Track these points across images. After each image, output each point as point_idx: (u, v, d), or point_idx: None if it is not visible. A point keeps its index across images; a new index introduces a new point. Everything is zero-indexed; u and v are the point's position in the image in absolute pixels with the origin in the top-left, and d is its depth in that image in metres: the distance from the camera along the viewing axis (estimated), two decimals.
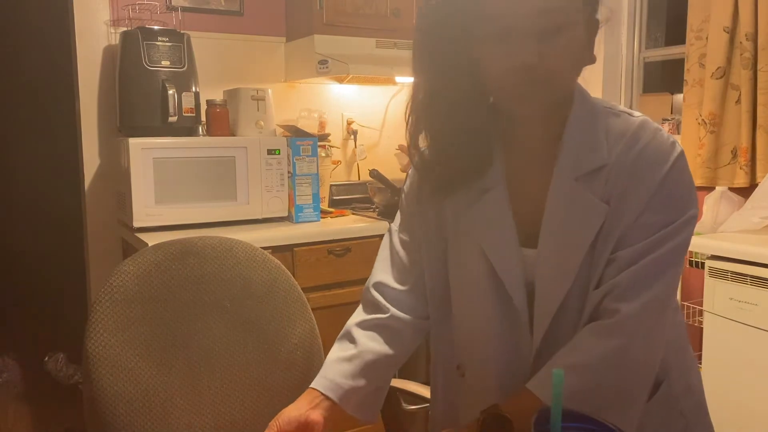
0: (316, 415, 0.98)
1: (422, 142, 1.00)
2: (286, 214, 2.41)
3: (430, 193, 1.03)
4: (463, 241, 1.00)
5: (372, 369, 1.04)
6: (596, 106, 0.96)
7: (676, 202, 0.91)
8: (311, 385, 1.02)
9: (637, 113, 0.96)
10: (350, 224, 2.42)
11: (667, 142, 0.92)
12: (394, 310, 1.07)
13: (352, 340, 1.06)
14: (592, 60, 0.92)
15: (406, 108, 0.99)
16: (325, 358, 1.08)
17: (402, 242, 1.10)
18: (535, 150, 0.97)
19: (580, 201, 0.91)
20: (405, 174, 2.43)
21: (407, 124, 0.99)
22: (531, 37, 0.85)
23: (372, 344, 1.05)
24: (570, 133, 0.93)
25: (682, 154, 0.92)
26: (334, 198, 2.85)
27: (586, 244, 0.91)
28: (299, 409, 0.99)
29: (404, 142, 2.60)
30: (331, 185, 2.86)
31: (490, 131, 0.98)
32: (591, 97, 0.97)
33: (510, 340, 0.97)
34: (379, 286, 1.09)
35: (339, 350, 1.06)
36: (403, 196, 1.12)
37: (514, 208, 0.97)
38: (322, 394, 1.00)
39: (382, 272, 1.10)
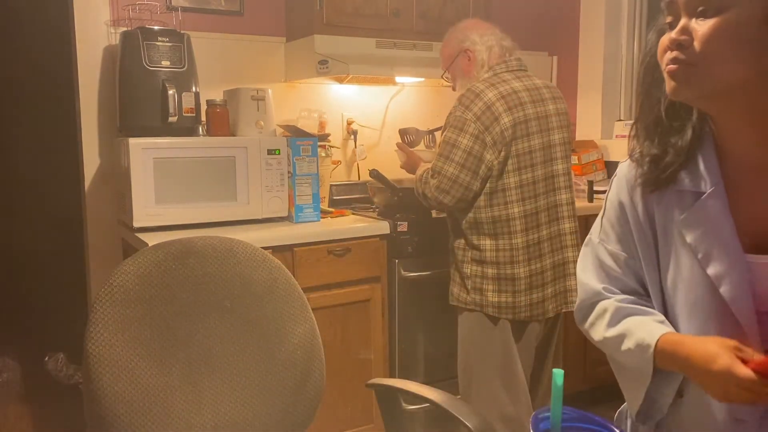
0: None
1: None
2: (286, 214, 2.41)
3: (639, 187, 0.99)
4: (677, 249, 0.95)
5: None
6: None
7: None
8: (662, 335, 0.94)
9: None
10: (350, 224, 2.42)
11: None
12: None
13: (641, 311, 1.01)
14: None
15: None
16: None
17: (609, 252, 1.05)
18: (750, 151, 0.90)
19: None
20: (404, 172, 2.45)
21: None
22: (686, 14, 0.84)
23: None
24: None
25: None
26: (334, 198, 2.85)
27: None
28: (716, 341, 0.88)
29: (399, 141, 2.56)
30: (331, 185, 2.86)
31: (693, 129, 0.94)
32: None
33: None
34: (605, 293, 1.05)
35: (646, 318, 1.00)
36: (607, 204, 1.07)
37: (739, 213, 0.90)
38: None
39: (599, 283, 1.06)
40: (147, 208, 2.17)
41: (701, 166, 0.92)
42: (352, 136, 2.97)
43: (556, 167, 2.09)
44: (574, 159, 3.08)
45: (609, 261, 1.05)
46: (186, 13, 2.59)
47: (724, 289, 0.89)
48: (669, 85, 0.88)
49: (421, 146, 2.77)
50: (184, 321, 1.22)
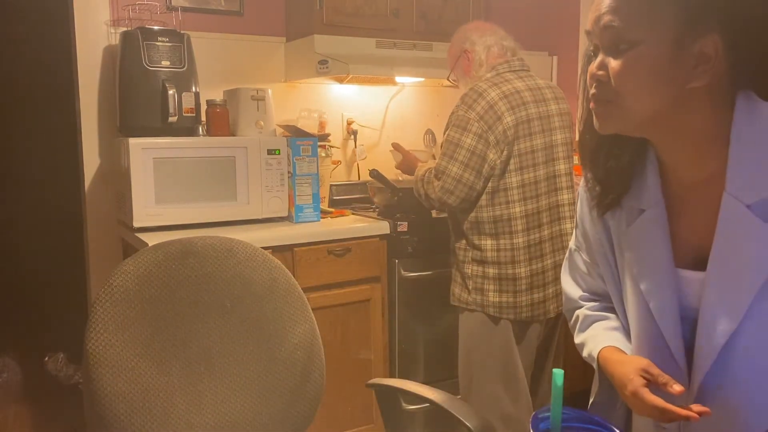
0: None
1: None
2: (286, 214, 2.41)
3: (593, 210, 1.03)
4: (623, 262, 0.99)
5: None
6: None
7: None
8: (606, 346, 1.01)
9: None
10: (350, 224, 2.42)
11: None
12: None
13: (602, 317, 1.08)
14: (691, 91, 0.84)
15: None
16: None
17: (583, 260, 1.12)
18: (686, 171, 0.92)
19: (754, 232, 0.83)
20: (400, 172, 2.44)
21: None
22: (602, 49, 0.86)
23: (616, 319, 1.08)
24: (737, 154, 0.84)
25: None
26: (334, 198, 2.85)
27: (759, 281, 0.83)
28: (632, 363, 0.94)
29: (399, 141, 2.59)
30: (331, 185, 2.86)
31: (632, 151, 0.96)
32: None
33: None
34: (580, 301, 1.13)
35: (602, 325, 1.07)
36: (576, 217, 1.13)
37: (677, 229, 0.93)
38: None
39: (577, 290, 1.15)
40: (147, 208, 2.17)
41: (644, 184, 0.95)
42: (352, 136, 2.97)
43: (558, 167, 2.09)
44: (576, 159, 3.08)
45: (583, 267, 1.13)
46: (186, 13, 2.59)
47: (652, 305, 0.93)
48: (595, 122, 0.91)
49: (420, 146, 2.77)
50: (184, 321, 1.21)
